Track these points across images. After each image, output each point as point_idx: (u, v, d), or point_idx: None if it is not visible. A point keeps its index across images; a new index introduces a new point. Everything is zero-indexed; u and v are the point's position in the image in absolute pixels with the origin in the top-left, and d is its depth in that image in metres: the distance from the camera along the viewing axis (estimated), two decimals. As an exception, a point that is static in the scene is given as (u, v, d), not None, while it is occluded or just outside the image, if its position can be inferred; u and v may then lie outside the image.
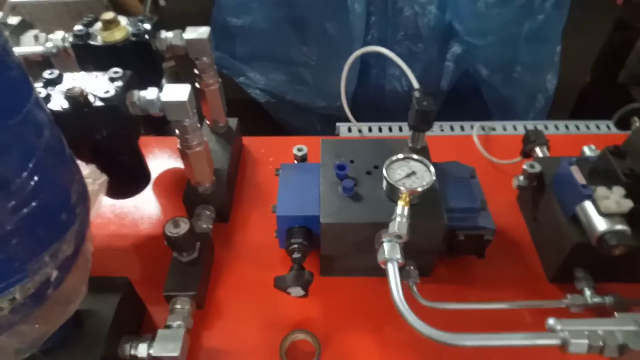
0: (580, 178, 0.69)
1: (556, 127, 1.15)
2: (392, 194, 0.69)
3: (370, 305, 0.74)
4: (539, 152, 0.86)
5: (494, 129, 1.07)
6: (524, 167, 0.79)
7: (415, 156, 0.71)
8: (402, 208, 0.65)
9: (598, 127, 1.12)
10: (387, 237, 0.65)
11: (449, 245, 0.75)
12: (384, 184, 0.69)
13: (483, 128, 1.07)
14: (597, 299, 0.69)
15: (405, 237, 0.64)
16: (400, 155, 0.71)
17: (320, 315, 0.73)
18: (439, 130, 1.09)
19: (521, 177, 0.80)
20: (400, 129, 1.12)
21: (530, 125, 1.08)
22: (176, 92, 0.67)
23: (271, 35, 1.56)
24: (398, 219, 0.64)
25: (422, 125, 0.74)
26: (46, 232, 0.41)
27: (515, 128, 1.11)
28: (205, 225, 0.79)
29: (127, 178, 0.77)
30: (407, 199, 0.66)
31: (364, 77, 1.64)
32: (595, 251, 0.66)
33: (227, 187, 0.84)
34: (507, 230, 0.86)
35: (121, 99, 0.66)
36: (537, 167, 0.78)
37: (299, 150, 0.82)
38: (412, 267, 0.73)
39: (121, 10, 2.20)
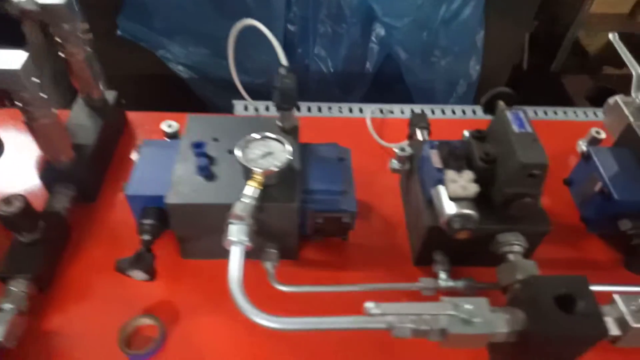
0: (437, 161, 0.68)
1: (463, 111, 1.15)
2: (247, 174, 0.66)
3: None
4: (419, 135, 0.85)
5: (392, 112, 1.06)
6: (396, 150, 0.78)
7: (272, 135, 0.69)
8: (250, 189, 0.63)
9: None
10: (232, 219, 0.63)
11: (313, 228, 0.73)
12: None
13: (381, 111, 1.05)
14: (450, 283, 0.69)
15: (248, 220, 0.62)
16: (257, 135, 0.68)
17: (175, 300, 0.71)
18: (338, 111, 1.07)
19: (394, 161, 0.79)
20: (305, 109, 1.09)
21: (427, 108, 1.08)
22: (8, 60, 0.61)
23: (189, 7, 1.49)
24: (243, 199, 0.62)
25: (285, 104, 0.71)
26: None
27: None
28: (59, 205, 0.74)
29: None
30: (259, 179, 0.64)
31: (289, 57, 1.59)
32: (449, 235, 0.66)
33: (91, 164, 0.80)
34: (385, 213, 0.85)
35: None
36: (408, 150, 0.77)
37: (169, 126, 0.78)
38: (272, 250, 0.71)
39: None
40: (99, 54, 1.89)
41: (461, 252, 0.71)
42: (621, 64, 0.92)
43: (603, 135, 0.83)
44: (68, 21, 0.76)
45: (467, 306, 0.55)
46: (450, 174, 0.65)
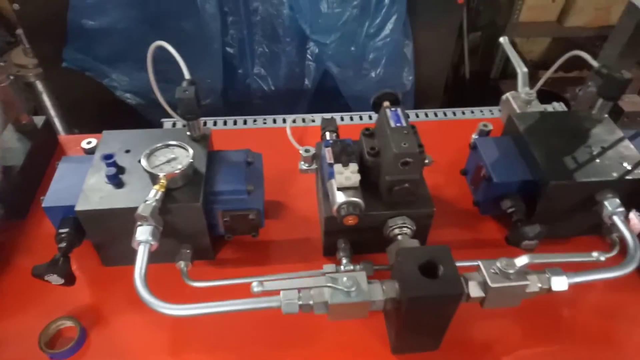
0: (329, 157, 0.76)
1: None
2: (153, 180, 0.72)
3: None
4: (328, 137, 0.92)
5: (313, 121, 1.14)
6: (301, 152, 0.85)
7: (174, 142, 0.75)
8: (154, 192, 0.69)
9: (425, 115, 1.20)
10: (138, 221, 0.69)
11: (224, 227, 0.79)
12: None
13: (303, 120, 1.13)
14: (349, 267, 0.75)
15: (152, 220, 0.68)
16: (160, 143, 0.75)
17: (96, 303, 0.76)
18: (262, 123, 1.14)
19: (301, 162, 0.86)
20: (230, 122, 1.15)
21: (358, 115, 1.17)
22: None
23: (130, 35, 1.57)
24: (147, 202, 0.68)
25: (188, 114, 0.78)
26: None
27: (351, 119, 1.19)
28: (-15, 222, 0.79)
29: None
30: (163, 182, 0.70)
31: (230, 77, 1.68)
32: (339, 222, 0.73)
33: (18, 183, 0.85)
34: (301, 213, 0.92)
35: None
36: (311, 151, 0.84)
37: (88, 143, 0.84)
38: (187, 250, 0.77)
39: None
40: (51, 83, 1.94)
41: (361, 240, 0.78)
42: (559, 68, 0.99)
43: (490, 127, 0.92)
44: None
45: (345, 279, 0.61)
46: (337, 167, 0.72)
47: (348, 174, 0.71)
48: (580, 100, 0.92)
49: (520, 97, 0.97)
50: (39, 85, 1.98)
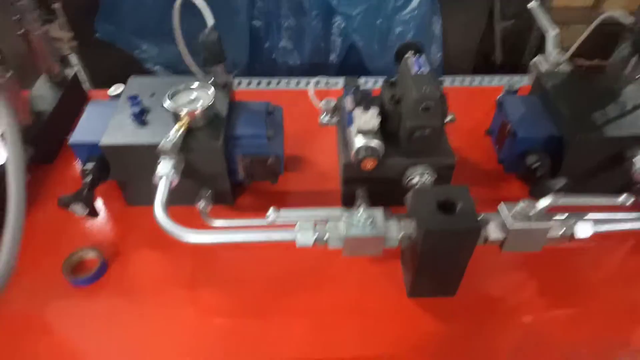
0: (350, 105, 0.75)
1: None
2: (176, 118, 0.73)
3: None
4: (349, 94, 0.92)
5: (337, 84, 1.13)
6: (322, 104, 0.85)
7: (196, 85, 0.76)
8: (176, 129, 0.70)
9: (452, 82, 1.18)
10: (161, 155, 0.70)
11: (243, 173, 0.80)
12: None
13: (327, 83, 1.13)
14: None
15: (173, 155, 0.69)
16: (182, 86, 0.76)
17: (119, 239, 0.78)
18: (285, 84, 1.14)
19: (322, 115, 0.86)
20: (259, 83, 1.16)
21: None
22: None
23: (160, 7, 1.60)
24: (168, 137, 0.69)
25: (211, 57, 0.79)
26: None
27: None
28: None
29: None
30: (185, 120, 0.72)
31: (256, 51, 1.69)
32: (363, 171, 0.73)
33: (48, 128, 0.88)
34: (321, 167, 0.92)
35: None
36: (331, 103, 0.84)
37: (115, 89, 0.86)
38: (207, 193, 0.77)
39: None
40: (85, 55, 1.99)
41: (380, 191, 0.76)
42: (592, 55, 0.96)
43: (517, 86, 0.90)
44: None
45: (361, 213, 0.61)
46: (357, 111, 0.72)
47: (367, 118, 0.70)
48: (613, 62, 0.89)
49: (550, 59, 0.94)
50: (74, 59, 2.04)
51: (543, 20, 1.00)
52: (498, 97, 0.88)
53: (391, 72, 0.81)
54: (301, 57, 1.66)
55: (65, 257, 0.72)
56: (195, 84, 0.76)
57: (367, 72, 1.68)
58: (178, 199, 0.69)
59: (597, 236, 0.65)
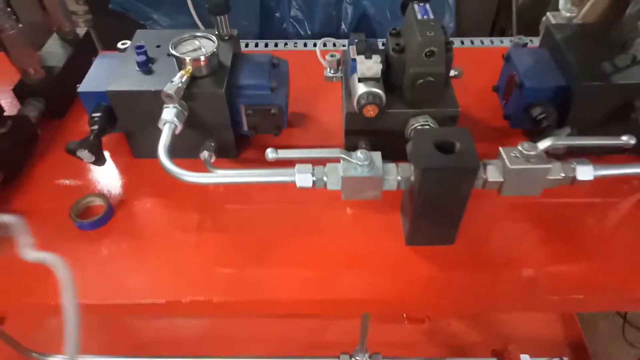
0: (353, 54, 0.75)
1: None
2: (180, 65, 0.74)
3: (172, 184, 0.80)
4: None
5: (344, 46, 1.12)
6: (326, 58, 0.84)
7: (199, 33, 0.77)
8: (180, 75, 0.71)
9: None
10: (165, 102, 0.71)
11: (246, 124, 0.81)
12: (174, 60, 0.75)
13: (334, 44, 1.13)
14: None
15: (177, 101, 0.70)
16: (186, 35, 0.77)
17: (125, 188, 0.79)
18: (293, 45, 1.14)
19: (327, 70, 0.86)
20: (267, 45, 1.16)
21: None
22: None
23: (172, -23, 1.61)
24: (172, 82, 0.70)
25: (216, 8, 0.79)
26: None
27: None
28: (29, 112, 0.84)
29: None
30: (189, 67, 0.72)
31: (267, 21, 1.69)
32: (366, 121, 0.73)
33: (58, 82, 0.89)
34: (327, 124, 0.92)
35: None
36: (336, 56, 0.84)
37: (123, 44, 0.87)
38: (211, 143, 0.78)
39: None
40: (99, 27, 2.03)
41: (382, 143, 0.76)
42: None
43: (526, 40, 0.88)
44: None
45: (359, 154, 0.61)
46: (360, 58, 0.71)
47: (370, 64, 0.70)
48: (629, 15, 0.86)
49: (562, 14, 0.92)
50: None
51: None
52: (506, 51, 0.87)
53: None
54: (312, 26, 1.65)
55: (70, 202, 0.74)
56: (200, 34, 0.77)
57: (378, 43, 1.67)
58: (183, 152, 0.71)
59: (602, 191, 0.64)
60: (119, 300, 0.66)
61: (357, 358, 1.11)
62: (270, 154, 0.61)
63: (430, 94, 0.72)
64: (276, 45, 1.12)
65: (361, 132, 0.77)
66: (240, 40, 1.13)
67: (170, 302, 0.65)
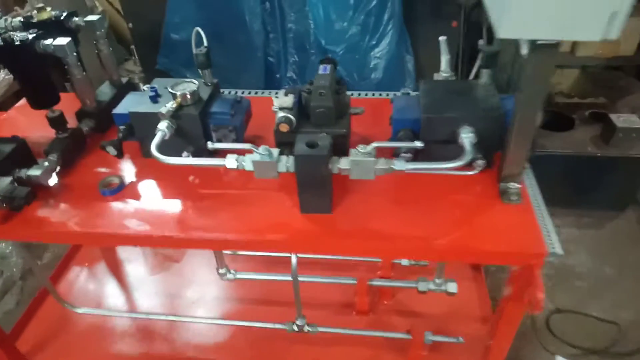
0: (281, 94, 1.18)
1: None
2: (173, 98, 1.19)
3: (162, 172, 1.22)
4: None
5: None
6: (272, 96, 1.27)
7: (190, 80, 1.23)
8: (171, 103, 1.16)
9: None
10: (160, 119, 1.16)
11: (215, 136, 1.24)
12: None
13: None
14: (286, 164, 1.15)
15: (167, 118, 1.14)
16: (181, 81, 1.23)
17: (137, 173, 1.24)
18: (268, 93, 1.59)
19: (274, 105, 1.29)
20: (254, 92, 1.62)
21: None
22: (61, 41, 1.23)
23: (200, 47, 2.15)
24: (166, 107, 1.15)
25: (201, 65, 1.25)
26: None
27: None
28: (82, 126, 1.32)
29: (46, 94, 1.32)
30: (178, 99, 1.17)
31: (269, 79, 2.19)
32: (283, 135, 1.14)
33: (105, 111, 1.38)
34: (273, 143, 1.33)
35: (32, 44, 1.22)
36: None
37: (145, 87, 1.35)
38: (190, 148, 1.22)
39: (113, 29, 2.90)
40: (148, 82, 2.60)
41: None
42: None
43: (409, 91, 1.27)
44: (99, 29, 1.39)
45: (262, 148, 1.01)
46: (280, 95, 1.14)
47: (286, 99, 1.12)
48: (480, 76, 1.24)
49: (442, 75, 1.31)
50: (141, 86, 2.68)
51: (443, 51, 1.38)
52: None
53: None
54: (303, 83, 2.13)
55: (98, 180, 1.19)
56: (190, 81, 1.23)
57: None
58: (172, 153, 1.14)
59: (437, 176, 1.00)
60: (121, 231, 1.08)
61: (298, 323, 1.45)
62: (209, 145, 1.03)
63: (325, 119, 1.13)
64: (269, 93, 1.58)
65: (284, 144, 1.18)
66: (248, 90, 1.60)
67: (164, 236, 1.06)
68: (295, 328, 1.47)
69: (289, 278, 1.32)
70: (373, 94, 1.57)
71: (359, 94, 1.62)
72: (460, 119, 1.09)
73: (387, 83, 1.96)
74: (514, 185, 1.08)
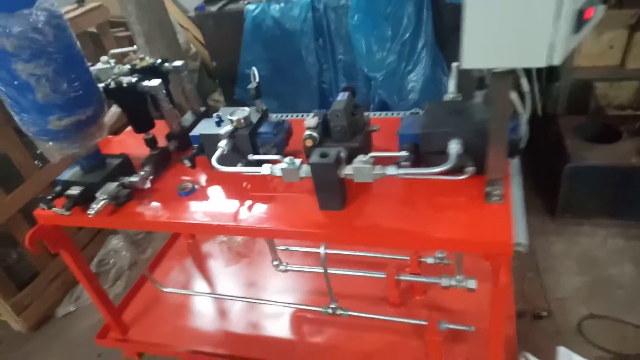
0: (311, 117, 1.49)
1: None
2: (231, 122, 1.57)
3: (224, 179, 1.59)
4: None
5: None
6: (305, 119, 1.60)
7: (244, 108, 1.59)
8: (229, 126, 1.54)
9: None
10: (221, 138, 1.54)
11: (262, 151, 1.59)
12: (230, 120, 1.59)
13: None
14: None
15: (225, 137, 1.52)
16: (238, 109, 1.60)
17: (206, 180, 1.63)
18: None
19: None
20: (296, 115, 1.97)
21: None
22: (154, 82, 1.67)
23: (267, 78, 2.56)
24: (225, 129, 1.53)
25: (253, 97, 1.62)
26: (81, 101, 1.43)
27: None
28: (169, 146, 1.76)
29: (144, 122, 1.78)
30: (234, 123, 1.55)
31: (324, 104, 2.52)
32: (307, 149, 1.45)
33: (186, 134, 1.80)
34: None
35: (134, 86, 1.68)
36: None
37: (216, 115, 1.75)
38: (244, 162, 1.58)
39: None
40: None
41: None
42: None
43: (417, 111, 1.51)
44: (182, 72, 1.83)
45: (288, 159, 1.33)
46: (308, 118, 1.46)
47: (312, 121, 1.44)
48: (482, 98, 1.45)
49: (449, 96, 1.54)
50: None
51: (454, 74, 1.61)
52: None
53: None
54: (354, 107, 2.43)
55: (177, 184, 1.60)
56: (244, 108, 1.60)
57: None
58: (231, 164, 1.51)
59: (430, 181, 1.25)
60: (188, 221, 1.46)
61: (331, 307, 1.72)
62: (249, 157, 1.37)
63: (341, 136, 1.42)
64: (291, 115, 1.92)
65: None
66: (302, 114, 1.96)
67: (221, 225, 1.43)
68: (330, 311, 1.75)
69: (331, 270, 1.62)
70: (398, 114, 1.83)
71: (392, 114, 1.88)
72: (452, 133, 1.32)
73: (424, 102, 2.19)
74: (496, 188, 1.28)
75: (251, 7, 2.53)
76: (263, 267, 2.30)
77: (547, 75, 2.81)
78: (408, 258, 1.90)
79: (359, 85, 2.35)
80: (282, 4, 2.40)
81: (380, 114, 1.80)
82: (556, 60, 1.02)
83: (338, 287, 1.75)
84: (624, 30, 2.36)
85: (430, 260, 1.85)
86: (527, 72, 2.62)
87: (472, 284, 1.72)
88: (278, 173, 1.36)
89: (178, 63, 1.83)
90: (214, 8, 2.76)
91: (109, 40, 3.01)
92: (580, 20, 1.01)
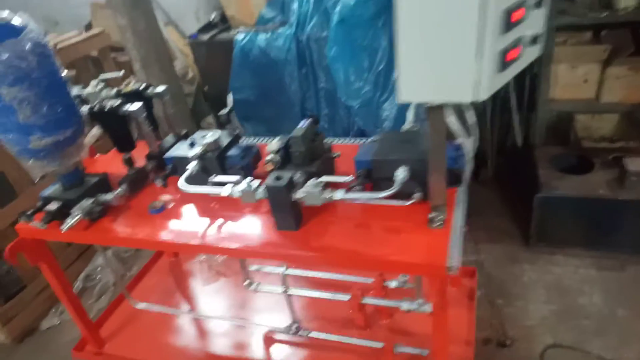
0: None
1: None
2: (201, 145, 1.67)
3: (195, 199, 1.68)
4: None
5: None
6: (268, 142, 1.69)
7: (215, 131, 1.69)
8: (199, 149, 1.63)
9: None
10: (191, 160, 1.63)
11: (229, 173, 1.68)
12: (202, 143, 1.68)
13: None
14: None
15: (196, 160, 1.61)
16: (211, 131, 1.70)
17: (172, 200, 1.72)
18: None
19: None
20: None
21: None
22: (135, 105, 1.78)
23: (254, 104, 2.68)
24: (195, 152, 1.62)
25: (224, 122, 1.72)
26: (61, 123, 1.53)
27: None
28: (147, 167, 1.86)
29: (125, 143, 1.89)
30: (204, 147, 1.64)
31: (307, 129, 2.62)
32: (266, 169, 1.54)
33: (164, 154, 1.90)
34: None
35: (116, 109, 1.79)
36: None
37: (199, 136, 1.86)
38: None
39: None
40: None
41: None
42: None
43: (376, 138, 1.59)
44: (164, 97, 1.94)
45: (247, 181, 1.42)
46: (271, 142, 1.55)
47: (273, 145, 1.53)
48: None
49: (406, 126, 1.62)
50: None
51: (413, 105, 1.69)
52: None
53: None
54: (334, 133, 2.53)
55: (149, 203, 1.68)
56: (218, 132, 1.70)
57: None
58: (200, 184, 1.60)
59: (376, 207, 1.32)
60: (154, 239, 1.54)
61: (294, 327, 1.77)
62: (209, 179, 1.46)
63: (300, 160, 1.50)
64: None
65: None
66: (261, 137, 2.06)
67: (182, 243, 1.51)
68: (292, 331, 1.80)
69: (299, 292, 1.68)
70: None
71: (362, 140, 1.97)
72: (400, 161, 1.39)
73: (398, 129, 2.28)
74: (439, 214, 1.34)
75: (240, 36, 2.67)
76: (240, 287, 2.36)
77: (527, 107, 2.91)
78: (371, 280, 1.95)
79: (340, 113, 2.45)
80: (268, 35, 2.54)
81: (344, 140, 1.89)
82: (483, 96, 1.10)
83: (312, 309, 1.81)
84: (596, 65, 2.44)
85: (393, 284, 1.90)
86: (506, 102, 2.71)
87: (429, 308, 1.77)
88: (236, 195, 1.44)
89: (160, 89, 1.95)
90: (205, 37, 2.92)
91: (109, 64, 3.17)
92: (504, 61, 1.09)
